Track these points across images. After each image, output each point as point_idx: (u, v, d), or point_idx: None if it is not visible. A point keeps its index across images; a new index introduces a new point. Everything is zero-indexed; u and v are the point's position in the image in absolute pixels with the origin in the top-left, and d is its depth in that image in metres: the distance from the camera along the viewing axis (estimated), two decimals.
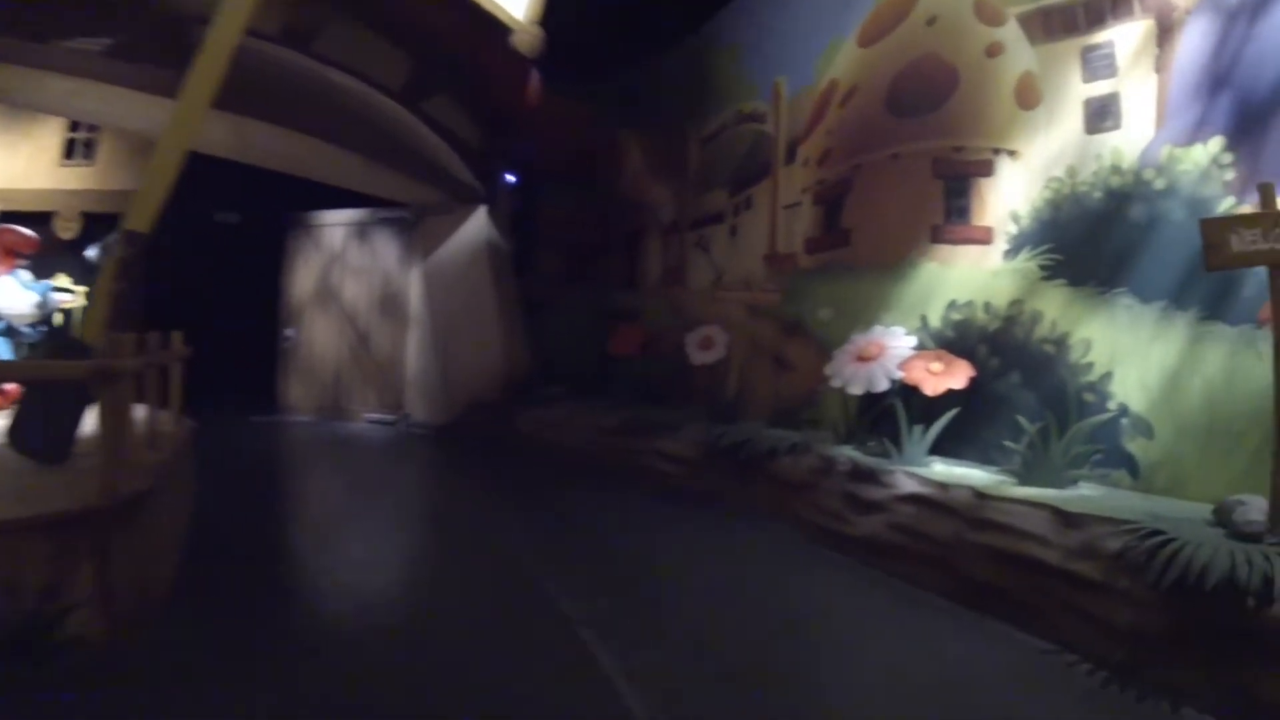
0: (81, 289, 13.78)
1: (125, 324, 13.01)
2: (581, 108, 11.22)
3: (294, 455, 8.80)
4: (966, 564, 4.42)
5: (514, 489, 7.30)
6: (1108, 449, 4.94)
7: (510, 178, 10.96)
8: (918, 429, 5.42)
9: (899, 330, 6.15)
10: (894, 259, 6.68)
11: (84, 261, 14.69)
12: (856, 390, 5.87)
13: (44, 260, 13.63)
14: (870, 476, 5.28)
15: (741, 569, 5.07)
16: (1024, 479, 4.81)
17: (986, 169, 6.21)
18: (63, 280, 13.80)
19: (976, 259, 6.16)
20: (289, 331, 11.90)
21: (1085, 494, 4.57)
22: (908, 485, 5.04)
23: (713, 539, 5.68)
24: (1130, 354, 5.01)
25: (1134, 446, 4.90)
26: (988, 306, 5.93)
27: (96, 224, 14.26)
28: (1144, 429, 4.90)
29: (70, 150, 13.83)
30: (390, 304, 10.92)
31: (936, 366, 5.50)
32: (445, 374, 10.23)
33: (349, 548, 5.30)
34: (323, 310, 11.55)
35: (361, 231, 11.35)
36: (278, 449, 9.01)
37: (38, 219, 14.16)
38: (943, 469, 5.25)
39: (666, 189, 10.51)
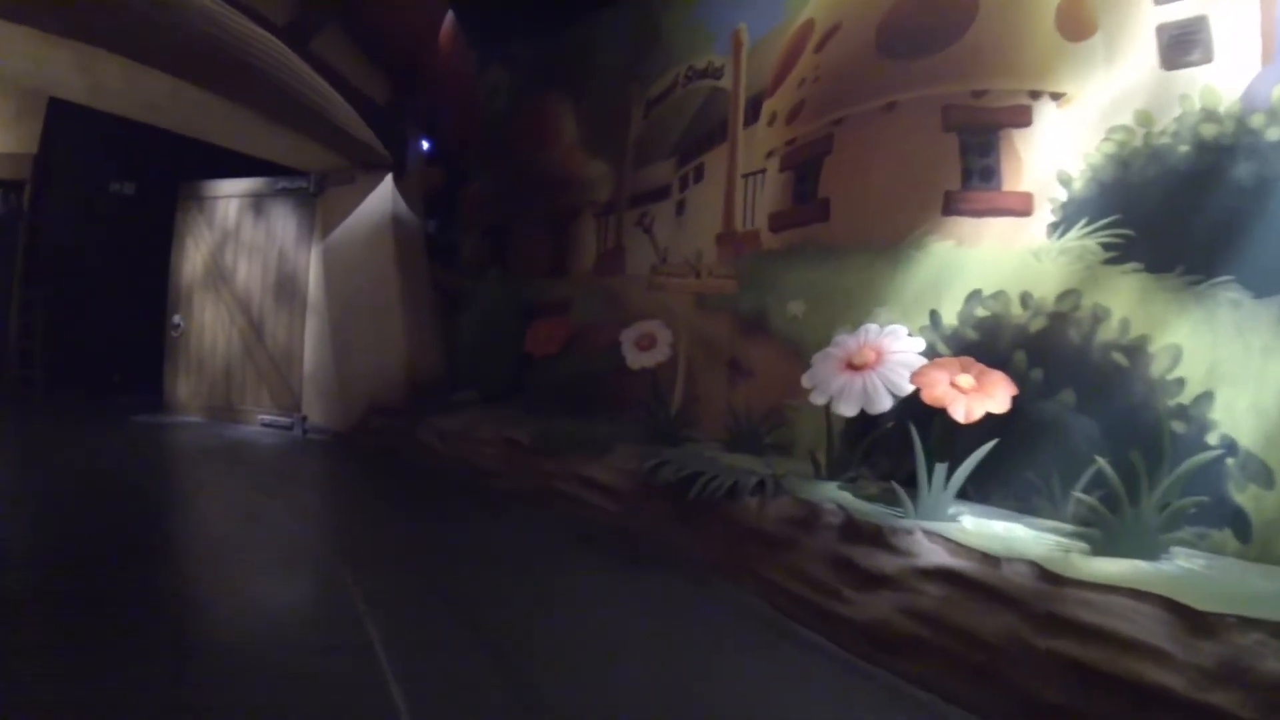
0: None
1: None
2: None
3: (156, 471, 6.77)
4: (1030, 680, 2.77)
5: (393, 521, 5.45)
6: (1207, 500, 3.27)
7: (425, 145, 8.93)
8: (940, 469, 3.64)
9: (900, 330, 4.39)
10: (890, 237, 4.96)
11: None
12: (848, 409, 4.13)
13: None
14: (876, 537, 3.54)
15: (684, 661, 3.33)
16: (1104, 546, 3.13)
17: (1020, 117, 4.54)
18: None
19: (1009, 236, 4.47)
20: (176, 319, 9.79)
21: (1195, 570, 2.97)
22: (934, 554, 3.32)
23: (645, 608, 3.94)
24: (1238, 369, 3.41)
25: (1245, 498, 3.30)
26: (1027, 299, 4.25)
27: None
28: (1259, 473, 3.30)
29: None
30: (286, 287, 8.91)
31: (966, 381, 3.74)
32: (341, 371, 8.25)
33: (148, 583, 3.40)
34: (214, 295, 9.48)
35: (257, 204, 9.30)
36: (141, 463, 6.96)
37: None
38: (976, 526, 3.52)
39: (603, 162, 8.64)
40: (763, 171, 6.13)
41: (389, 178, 8.19)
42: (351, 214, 8.38)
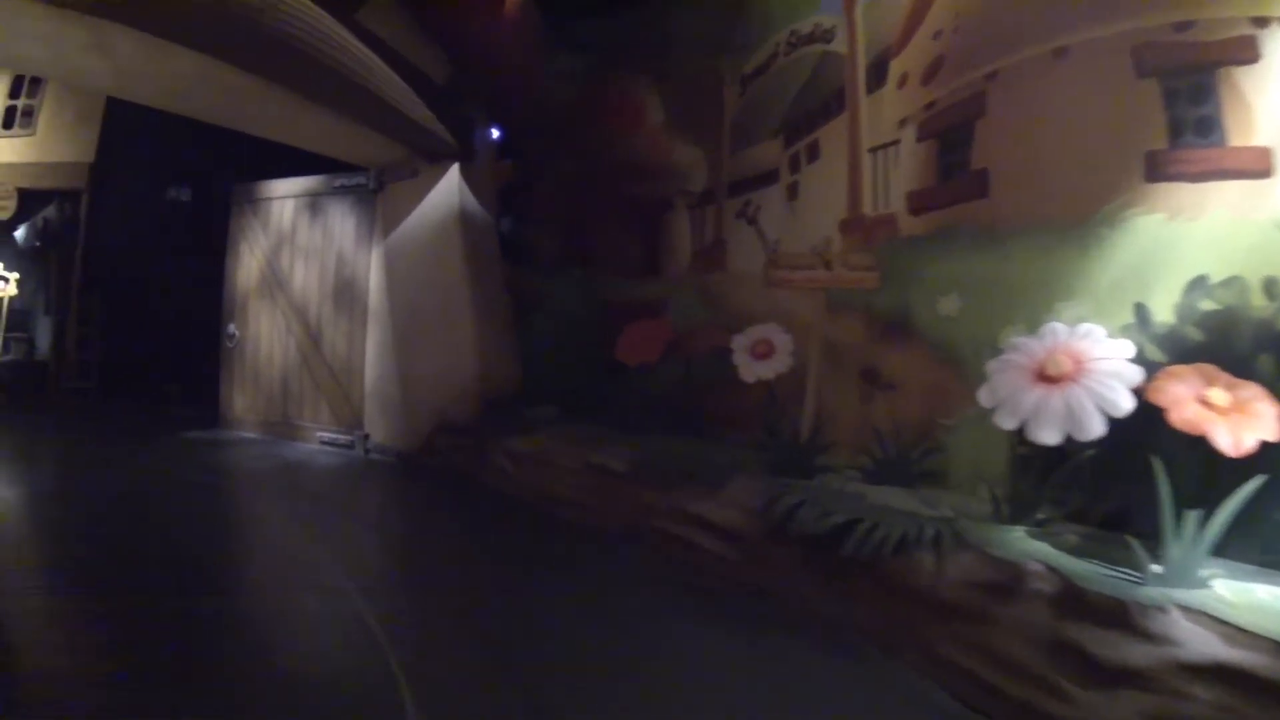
0: (14, 275, 11.64)
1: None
2: None
3: (199, 500, 6.25)
4: None
5: (467, 567, 4.80)
6: None
7: (494, 132, 8.32)
8: (1191, 518, 2.81)
9: (1097, 331, 3.55)
10: (1073, 213, 4.15)
11: (16, 244, 12.57)
12: (1049, 435, 3.31)
13: None
14: (1113, 616, 2.71)
15: None
16: None
17: (1243, 52, 3.64)
18: None
19: (1241, 204, 3.60)
20: (231, 328, 9.39)
21: None
22: (1202, 642, 2.50)
23: (781, 686, 3.18)
24: None
25: None
26: (1272, 286, 3.33)
27: (34, 201, 12.29)
28: None
29: (9, 120, 11.86)
30: (346, 293, 8.41)
31: (1219, 398, 2.89)
32: (405, 385, 7.68)
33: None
34: (269, 302, 9.06)
35: (314, 204, 8.84)
36: (185, 490, 6.49)
37: None
38: (1237, 594, 2.74)
39: (695, 147, 7.95)
40: (895, 143, 5.34)
41: (455, 168, 7.61)
42: (415, 210, 7.83)
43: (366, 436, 8.07)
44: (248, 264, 9.38)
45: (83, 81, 6.27)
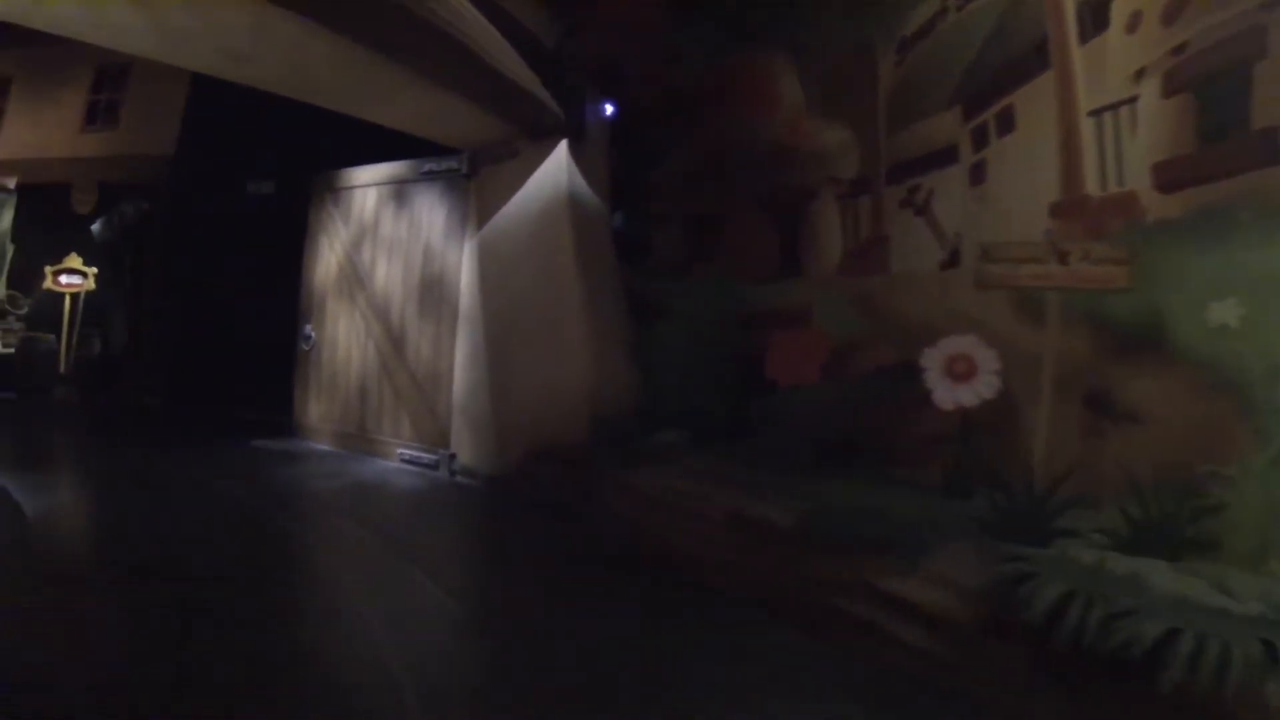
0: (92, 270, 11.48)
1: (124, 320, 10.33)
2: None
3: (255, 525, 5.63)
4: None
5: (584, 644, 3.87)
6: None
7: (607, 108, 7.53)
8: None
9: None
10: None
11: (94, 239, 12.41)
12: None
13: (55, 237, 11.44)
14: None
15: None
16: None
17: None
18: (74, 260, 11.57)
19: None
20: (307, 329, 8.85)
21: None
22: None
23: None
24: None
25: None
26: None
27: (114, 195, 12.20)
28: None
29: (92, 115, 12.53)
30: (433, 292, 7.78)
31: None
32: (500, 399, 6.94)
33: None
34: (348, 301, 8.48)
35: (399, 192, 8.24)
36: (242, 510, 5.89)
37: (56, 192, 12.12)
38: None
39: (843, 128, 7.10)
40: (1130, 101, 4.33)
41: (562, 146, 6.87)
42: (515, 197, 7.14)
43: (453, 456, 7.38)
44: (326, 259, 8.85)
45: (123, 43, 5.69)
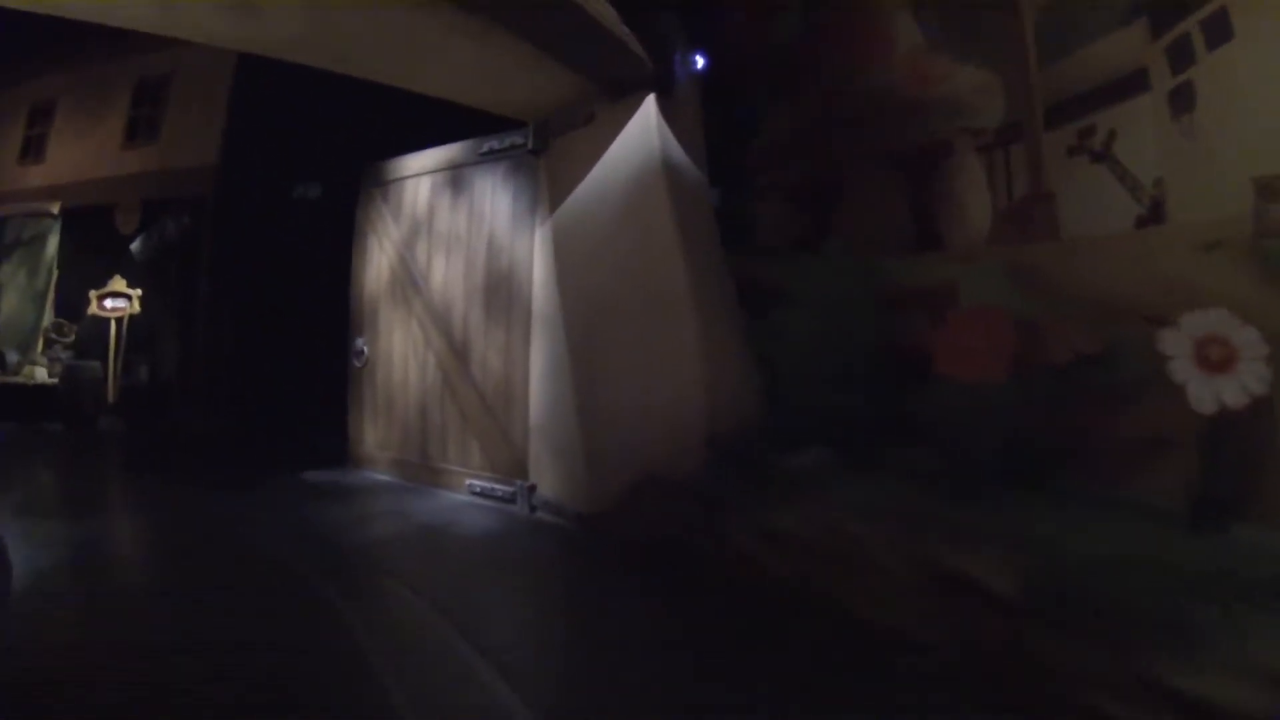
0: (136, 292, 10.36)
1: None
2: None
3: (293, 584, 4.22)
4: None
5: None
6: None
7: (698, 61, 6.01)
8: None
9: None
10: None
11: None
12: None
13: (101, 260, 11.03)
14: None
15: None
16: None
17: None
18: (118, 283, 10.51)
19: None
20: (360, 343, 7.45)
21: None
22: None
23: None
24: None
25: None
26: None
27: (156, 211, 11.12)
28: None
29: (133, 131, 11.68)
30: (501, 291, 6.34)
31: None
32: (589, 418, 5.43)
33: None
34: (404, 309, 7.09)
35: (456, 179, 6.82)
36: (284, 571, 4.51)
37: (101, 213, 11.65)
38: None
39: (978, 66, 5.80)
40: None
41: (650, 103, 5.38)
42: (594, 170, 5.70)
43: (532, 489, 5.92)
44: (377, 262, 7.47)
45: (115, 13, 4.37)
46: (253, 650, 3.38)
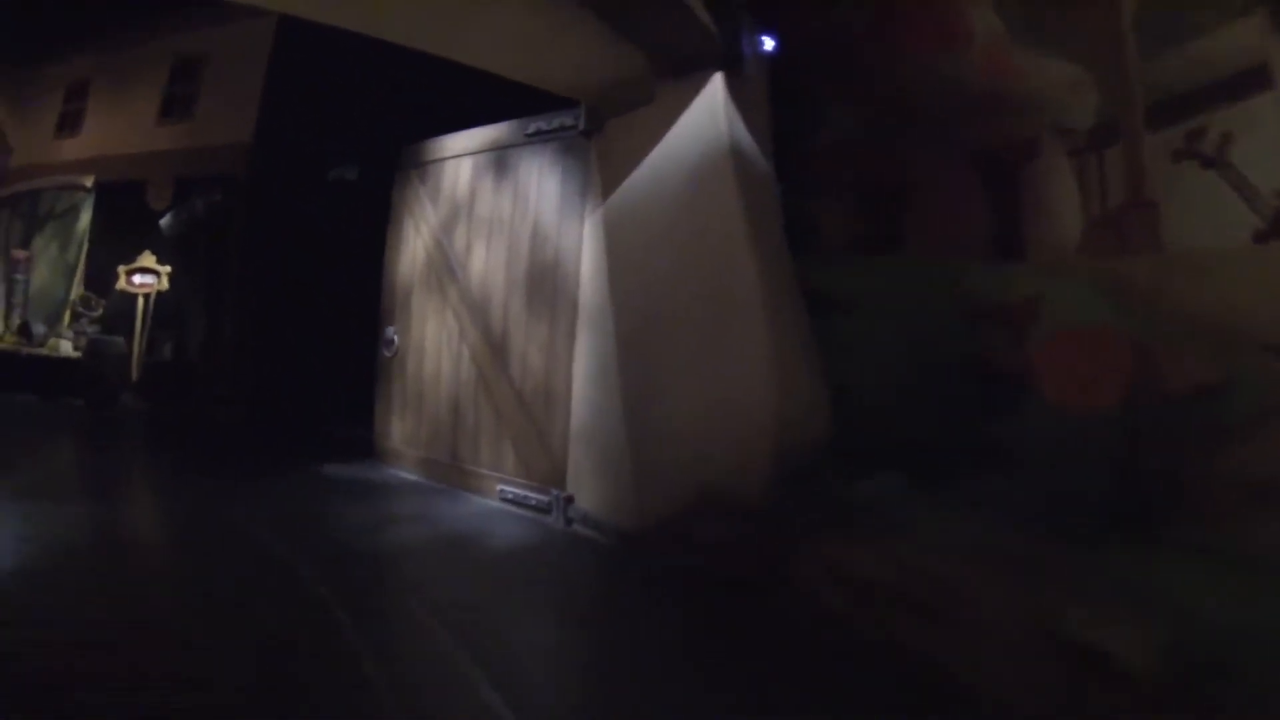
0: (165, 269, 9.99)
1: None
2: None
3: (300, 615, 3.69)
4: None
5: None
6: None
7: (766, 41, 5.48)
8: None
9: None
10: None
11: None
12: None
13: (131, 235, 10.84)
14: None
15: None
16: None
17: None
18: (147, 259, 10.11)
19: None
20: (390, 332, 6.97)
21: None
22: None
23: None
24: None
25: None
26: None
27: (188, 188, 10.76)
28: None
29: (168, 108, 11.50)
30: (545, 284, 5.83)
31: None
32: (638, 429, 4.90)
33: None
34: (438, 297, 6.60)
35: (500, 161, 6.30)
36: (292, 582, 4.03)
37: (134, 189, 11.41)
38: None
39: (1067, 59, 5.29)
40: None
41: (718, 82, 4.81)
42: (651, 155, 5.15)
43: (569, 500, 5.39)
44: (412, 247, 6.99)
45: None
46: (249, 691, 2.89)
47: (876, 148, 6.42)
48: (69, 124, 12.38)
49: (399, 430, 7.03)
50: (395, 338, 7.04)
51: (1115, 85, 5.10)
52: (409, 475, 6.75)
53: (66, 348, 10.78)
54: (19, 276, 11.92)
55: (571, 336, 5.53)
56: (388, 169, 7.49)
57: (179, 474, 6.66)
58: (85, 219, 11.73)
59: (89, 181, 11.75)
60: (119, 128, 11.77)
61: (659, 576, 4.53)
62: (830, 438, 4.63)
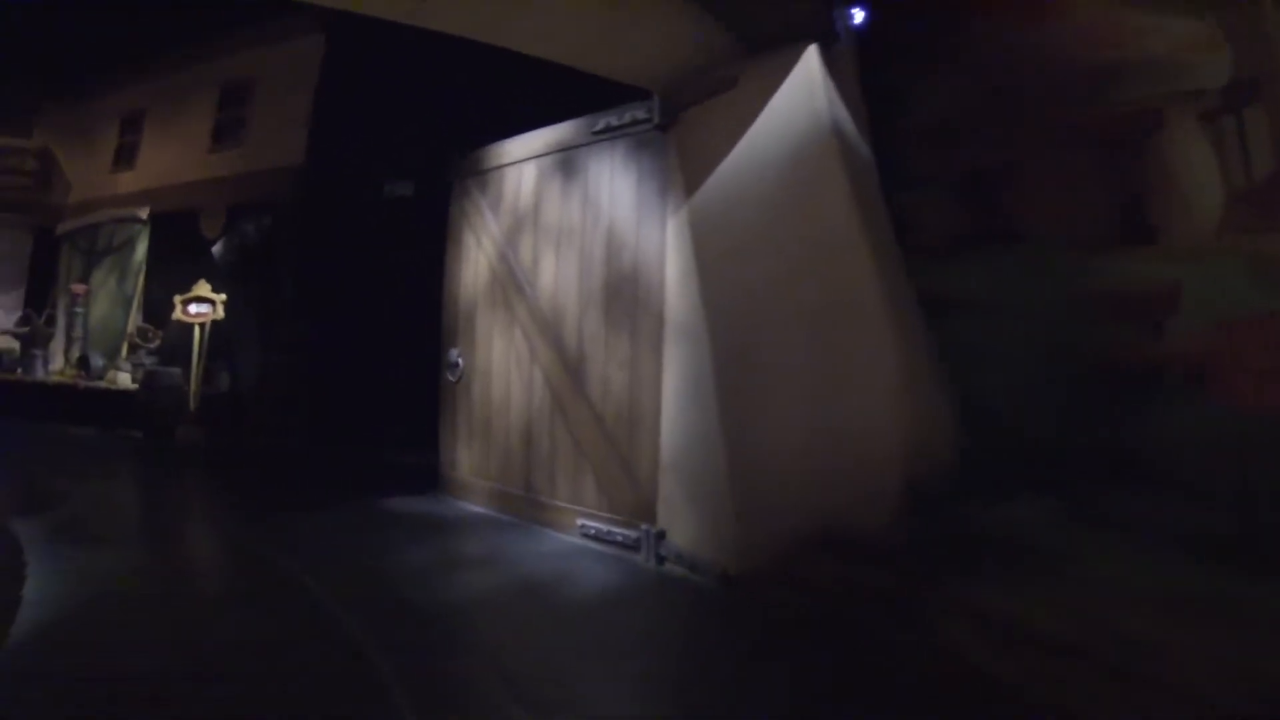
0: (220, 297, 9.71)
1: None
2: None
3: (342, 691, 3.12)
4: None
5: None
6: None
7: (856, 14, 4.89)
8: None
9: None
10: None
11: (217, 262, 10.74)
12: None
13: (187, 265, 10.75)
14: None
15: None
16: None
17: None
18: (202, 288, 9.85)
19: None
20: (454, 354, 6.46)
21: None
22: None
23: None
24: None
25: None
26: None
27: (240, 214, 10.50)
28: None
29: (219, 135, 11.48)
30: (624, 295, 5.26)
31: None
32: (739, 455, 4.29)
33: None
34: (505, 315, 6.07)
35: (566, 163, 5.77)
36: (335, 641, 3.54)
37: (187, 217, 11.32)
38: None
39: (1194, 16, 4.66)
40: None
41: (813, 55, 4.19)
42: (739, 145, 4.55)
43: (661, 535, 4.78)
44: (474, 262, 6.49)
45: None
46: None
47: (974, 129, 5.78)
48: (124, 157, 12.51)
49: (466, 460, 6.50)
50: (459, 360, 6.53)
51: (1251, 39, 4.45)
52: (478, 509, 6.22)
53: (125, 380, 10.65)
54: (78, 310, 11.91)
55: (658, 353, 4.94)
56: (443, 181, 7.04)
57: (230, 509, 6.29)
58: (141, 251, 11.74)
59: (144, 213, 11.77)
60: (172, 158, 11.81)
61: (768, 623, 3.89)
62: (960, 456, 3.97)
